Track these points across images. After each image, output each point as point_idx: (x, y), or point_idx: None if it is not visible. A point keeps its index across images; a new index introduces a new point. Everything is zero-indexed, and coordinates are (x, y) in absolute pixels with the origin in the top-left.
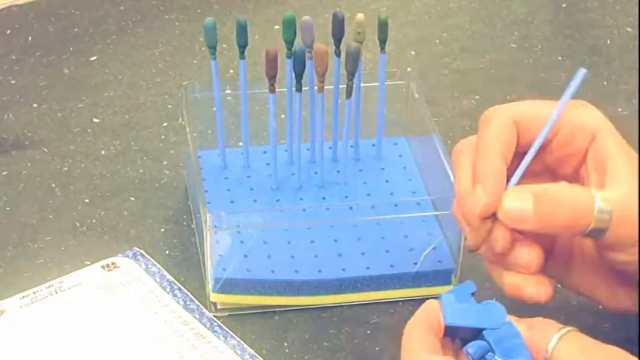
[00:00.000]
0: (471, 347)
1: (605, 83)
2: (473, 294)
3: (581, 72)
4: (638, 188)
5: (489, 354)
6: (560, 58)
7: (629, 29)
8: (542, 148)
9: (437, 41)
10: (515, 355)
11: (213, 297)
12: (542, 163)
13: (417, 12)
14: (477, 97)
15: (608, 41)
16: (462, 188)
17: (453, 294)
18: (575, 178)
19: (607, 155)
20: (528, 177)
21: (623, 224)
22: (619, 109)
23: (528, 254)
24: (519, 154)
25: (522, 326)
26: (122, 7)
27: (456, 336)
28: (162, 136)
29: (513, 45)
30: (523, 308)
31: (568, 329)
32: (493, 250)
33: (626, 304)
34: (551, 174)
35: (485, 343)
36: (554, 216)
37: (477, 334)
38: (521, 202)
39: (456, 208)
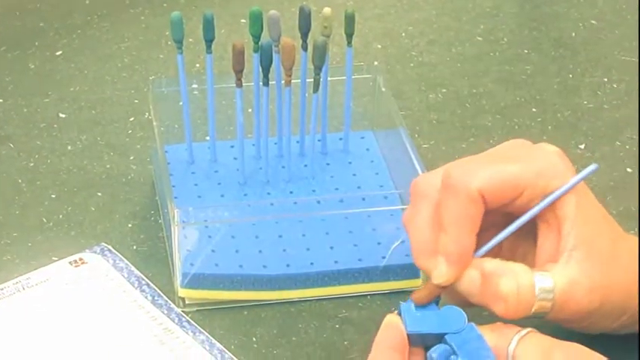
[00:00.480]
0: (434, 352)
1: (570, 76)
2: (437, 301)
3: (593, 166)
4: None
5: (453, 357)
6: (526, 51)
7: (593, 22)
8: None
9: (403, 34)
10: (479, 356)
11: (182, 292)
12: (503, 212)
13: (383, 5)
14: (444, 90)
15: (574, 34)
16: (419, 240)
17: (412, 303)
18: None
19: (564, 219)
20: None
21: (565, 310)
22: (584, 102)
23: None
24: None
25: (484, 331)
26: (87, 2)
27: (421, 344)
28: (129, 131)
29: (479, 38)
30: (484, 313)
31: (527, 330)
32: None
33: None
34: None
35: (447, 347)
36: (495, 304)
37: (440, 339)
38: (470, 283)
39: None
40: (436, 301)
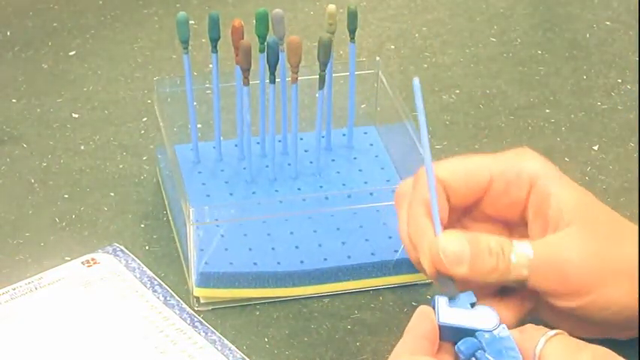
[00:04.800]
0: (462, 344)
1: (584, 77)
2: (472, 305)
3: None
4: (585, 230)
5: (480, 352)
6: (539, 52)
7: (607, 23)
8: (481, 200)
9: (417, 35)
10: (506, 356)
11: (197, 291)
12: (485, 214)
13: (397, 6)
14: (457, 91)
15: (588, 35)
16: (403, 236)
17: (446, 297)
18: (523, 224)
19: (547, 202)
20: (474, 225)
21: (542, 278)
22: (598, 103)
23: None
24: (457, 210)
25: (513, 331)
26: (101, 2)
27: (451, 339)
28: (142, 131)
29: (493, 39)
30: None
31: (556, 332)
32: None
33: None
34: (499, 222)
35: (476, 341)
36: (483, 261)
37: (469, 335)
38: (458, 243)
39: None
40: (471, 303)
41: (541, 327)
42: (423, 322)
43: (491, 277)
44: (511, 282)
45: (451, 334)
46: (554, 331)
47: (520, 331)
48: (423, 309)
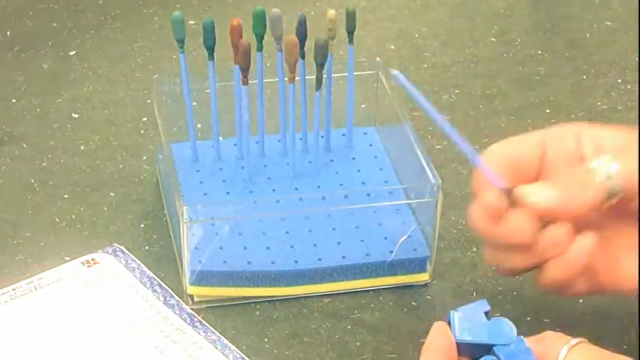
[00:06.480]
0: None
1: (584, 77)
2: (486, 313)
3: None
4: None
5: None
6: (539, 52)
7: (608, 23)
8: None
9: (416, 35)
10: None
11: (190, 289)
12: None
13: (397, 6)
14: (457, 91)
15: (588, 35)
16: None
17: (461, 311)
18: None
19: (601, 138)
20: None
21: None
22: (598, 103)
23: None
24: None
25: (531, 341)
26: (101, 2)
27: (468, 354)
28: (142, 131)
29: (493, 39)
30: (530, 324)
31: (578, 340)
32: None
33: None
34: None
35: (494, 358)
36: (574, 192)
37: (488, 350)
38: (542, 189)
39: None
40: (485, 312)
41: (561, 334)
42: (440, 338)
43: (584, 196)
44: (606, 201)
45: (469, 350)
46: (576, 340)
47: (538, 341)
48: (439, 325)
